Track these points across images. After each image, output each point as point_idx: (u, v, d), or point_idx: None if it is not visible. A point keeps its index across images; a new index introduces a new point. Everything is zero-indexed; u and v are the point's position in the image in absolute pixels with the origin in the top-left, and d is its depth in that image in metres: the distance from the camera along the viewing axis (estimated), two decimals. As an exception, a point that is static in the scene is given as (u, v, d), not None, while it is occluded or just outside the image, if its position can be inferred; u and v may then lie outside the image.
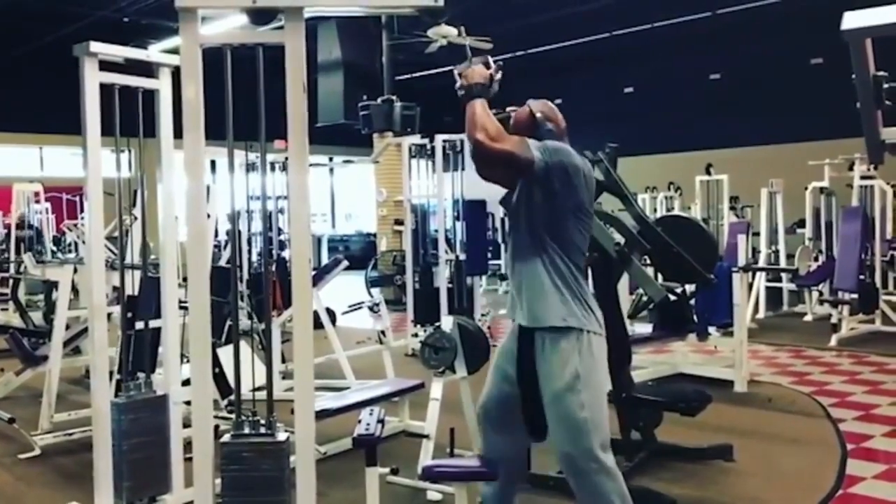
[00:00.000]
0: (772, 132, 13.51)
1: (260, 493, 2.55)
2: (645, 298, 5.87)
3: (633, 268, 3.80)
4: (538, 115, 2.91)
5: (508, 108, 2.99)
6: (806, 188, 10.00)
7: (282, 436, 2.59)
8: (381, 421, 2.74)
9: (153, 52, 3.75)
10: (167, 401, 3.71)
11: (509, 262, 2.96)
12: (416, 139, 8.43)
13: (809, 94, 13.01)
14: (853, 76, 1.84)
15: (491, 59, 2.88)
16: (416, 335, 7.70)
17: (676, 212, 10.61)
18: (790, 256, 10.18)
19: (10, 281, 9.35)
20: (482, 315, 8.11)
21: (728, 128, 14.08)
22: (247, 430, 2.61)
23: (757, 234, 10.33)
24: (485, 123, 2.68)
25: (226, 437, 2.60)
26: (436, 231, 8.63)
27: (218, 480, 2.84)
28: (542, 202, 2.77)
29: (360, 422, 2.75)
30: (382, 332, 5.80)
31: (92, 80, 3.43)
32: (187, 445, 3.56)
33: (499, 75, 2.83)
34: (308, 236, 2.83)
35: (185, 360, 4.00)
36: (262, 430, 2.60)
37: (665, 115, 15.20)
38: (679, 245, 4.08)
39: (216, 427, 3.62)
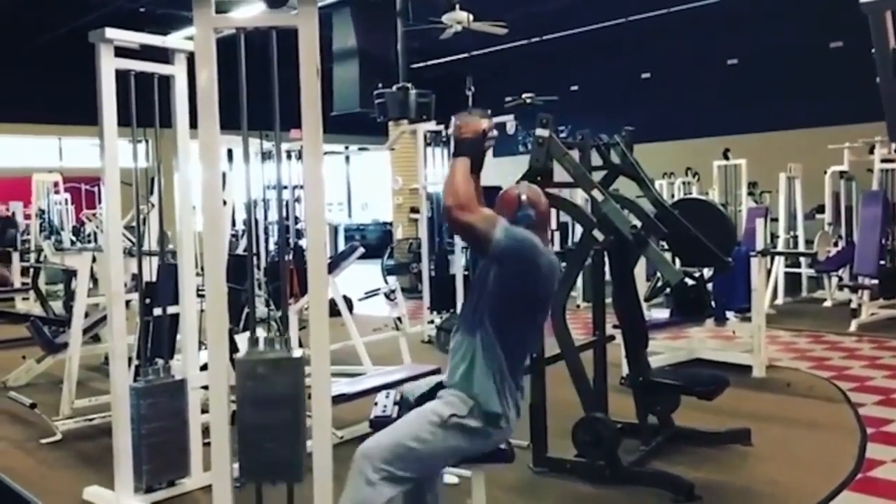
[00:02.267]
0: (790, 117, 13.37)
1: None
2: (661, 282, 5.84)
3: (649, 250, 3.77)
4: (523, 198, 2.85)
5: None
6: (825, 172, 9.89)
7: (297, 352, 2.63)
8: (397, 403, 2.74)
9: (168, 39, 3.76)
10: (185, 385, 3.74)
11: (459, 319, 2.93)
12: (431, 126, 8.42)
13: (829, 79, 12.87)
14: (873, 51, 1.82)
15: (489, 114, 2.90)
16: (432, 322, 7.72)
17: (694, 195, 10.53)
18: (809, 242, 10.08)
19: (31, 270, 9.45)
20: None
21: (746, 113, 13.95)
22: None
23: (775, 219, 10.25)
24: (457, 189, 2.64)
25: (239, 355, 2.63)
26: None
27: (236, 465, 2.87)
28: (493, 283, 2.70)
29: (376, 404, 2.75)
30: (399, 319, 5.81)
31: (108, 66, 3.45)
32: (205, 431, 3.59)
33: (494, 132, 2.82)
34: (323, 216, 2.84)
35: (202, 346, 4.04)
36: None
37: (682, 101, 15.08)
38: (696, 228, 4.05)
39: (233, 413, 3.65)
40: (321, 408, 2.79)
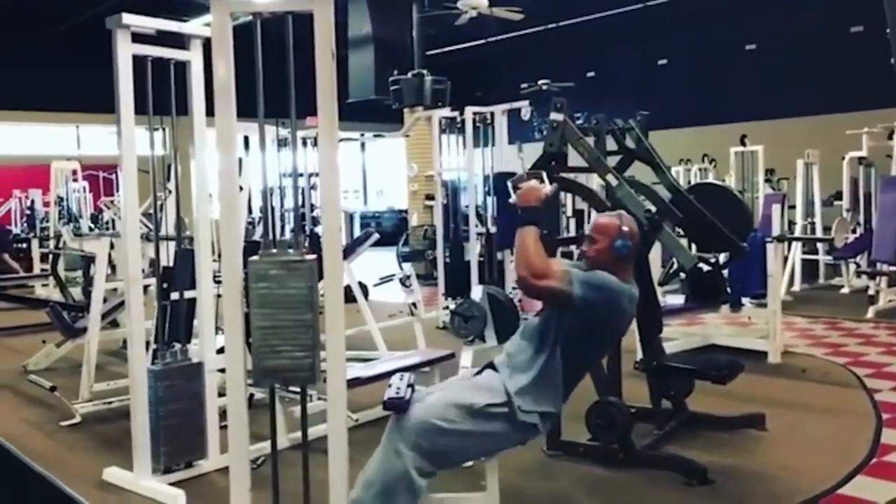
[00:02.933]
0: (809, 103, 13.25)
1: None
2: (676, 267, 5.83)
3: (663, 235, 3.77)
4: (624, 228, 2.96)
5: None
6: (843, 158, 9.81)
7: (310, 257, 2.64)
8: (410, 385, 2.76)
9: (184, 24, 3.78)
10: (202, 368, 3.78)
11: (523, 326, 3.00)
12: (447, 112, 8.41)
13: (849, 64, 12.73)
14: (888, 31, 1.80)
15: (545, 176, 2.91)
16: (447, 308, 7.74)
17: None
18: (826, 229, 10.01)
19: (50, 256, 9.55)
20: (513, 288, 8.11)
21: (764, 99, 13.84)
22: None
23: (793, 206, 10.18)
24: (530, 260, 2.71)
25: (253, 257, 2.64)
26: (466, 207, 8.62)
27: (252, 447, 2.91)
28: (573, 320, 2.80)
29: (390, 385, 2.78)
30: (414, 304, 5.83)
31: (124, 51, 3.48)
32: (222, 413, 3.64)
33: (552, 194, 2.91)
34: (338, 201, 2.87)
35: (219, 330, 4.07)
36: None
37: (699, 88, 14.99)
38: (712, 213, 4.04)
39: (250, 396, 3.69)
40: (336, 390, 2.82)
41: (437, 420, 2.63)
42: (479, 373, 2.96)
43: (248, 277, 2.62)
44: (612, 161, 4.19)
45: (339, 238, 2.99)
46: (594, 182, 6.31)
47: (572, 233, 9.60)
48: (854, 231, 9.65)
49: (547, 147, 3.82)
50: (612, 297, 2.81)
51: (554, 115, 3.80)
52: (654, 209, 3.78)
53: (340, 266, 3.10)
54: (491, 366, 2.93)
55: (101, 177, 13.84)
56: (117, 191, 12.42)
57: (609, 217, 3.07)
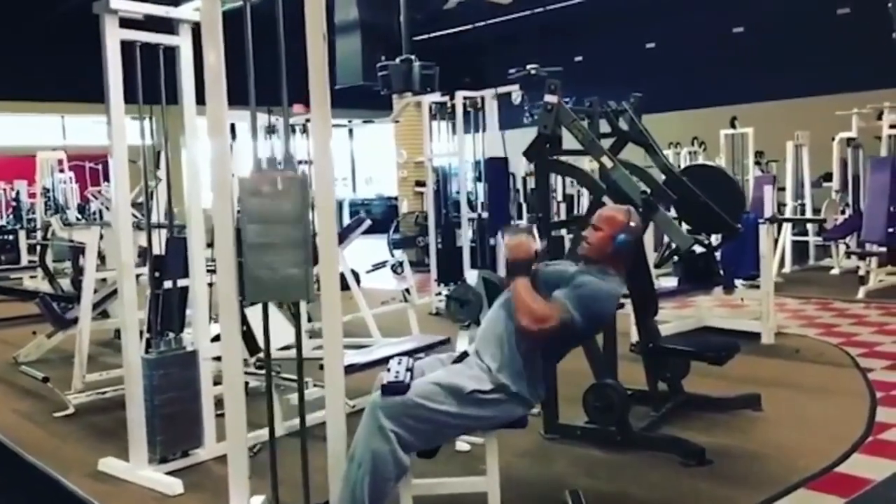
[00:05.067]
0: (797, 85, 13.26)
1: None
2: (672, 249, 5.83)
3: (659, 217, 3.76)
4: (631, 224, 3.06)
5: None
6: (833, 139, 9.83)
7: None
8: (409, 369, 2.75)
9: (173, 9, 3.73)
10: (197, 356, 3.76)
11: (498, 301, 3.01)
12: (437, 97, 8.36)
13: (836, 45, 12.75)
14: (889, 3, 1.79)
15: (534, 230, 3.01)
16: (439, 294, 7.73)
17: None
18: (816, 210, 10.06)
19: (38, 247, 9.47)
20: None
21: (752, 82, 13.83)
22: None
23: (782, 188, 10.20)
24: (531, 309, 2.76)
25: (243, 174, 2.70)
26: (457, 193, 8.59)
27: (250, 434, 2.89)
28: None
29: (388, 370, 2.76)
30: (407, 291, 5.81)
31: (112, 37, 3.44)
32: (218, 402, 3.61)
33: (541, 249, 2.98)
34: (332, 185, 2.85)
35: (211, 319, 4.05)
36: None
37: (688, 71, 14.96)
38: (705, 194, 4.04)
39: (245, 384, 3.67)
40: (334, 376, 2.80)
41: (423, 399, 2.63)
42: (455, 362, 2.94)
43: (239, 191, 2.65)
44: (606, 143, 4.17)
45: (333, 224, 2.96)
46: (585, 165, 6.30)
47: (563, 216, 9.60)
48: (843, 212, 9.69)
49: (541, 129, 3.79)
50: (602, 306, 2.93)
51: (548, 98, 3.78)
52: (649, 191, 3.76)
53: (336, 252, 3.07)
54: (466, 356, 2.94)
55: (87, 167, 13.72)
56: (104, 181, 12.32)
57: (617, 210, 3.14)
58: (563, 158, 4.10)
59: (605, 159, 3.77)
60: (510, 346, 2.81)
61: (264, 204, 2.60)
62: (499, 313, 2.93)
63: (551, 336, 2.80)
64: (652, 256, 6.21)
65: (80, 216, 12.00)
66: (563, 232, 5.03)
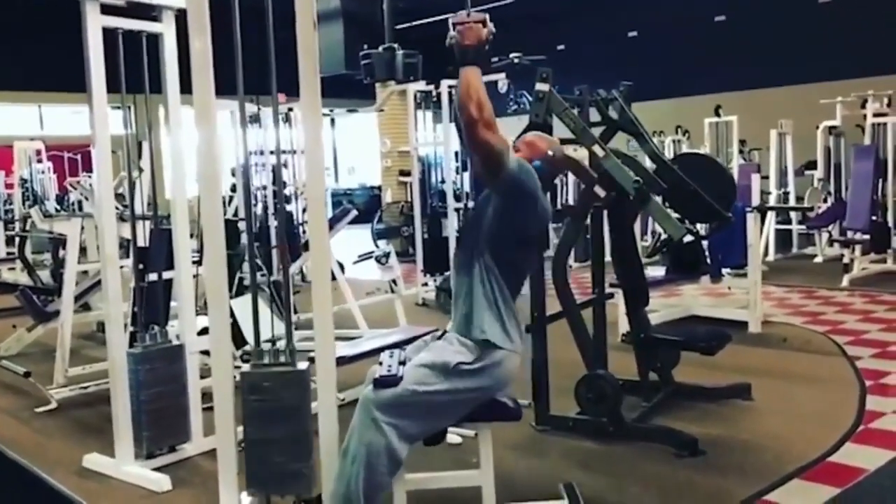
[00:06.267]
0: (779, 74, 13.27)
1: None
2: (663, 238, 5.81)
3: (651, 206, 3.72)
4: (551, 153, 2.92)
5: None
6: (817, 127, 9.86)
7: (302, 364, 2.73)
8: (402, 362, 2.70)
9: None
10: (183, 350, 3.69)
11: (453, 267, 2.92)
12: (422, 86, 8.29)
13: (819, 34, 12.78)
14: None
15: (488, 18, 2.72)
16: (426, 285, 7.68)
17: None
18: (800, 198, 10.10)
19: (17, 239, 9.32)
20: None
21: (735, 70, 13.83)
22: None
23: (766, 177, 10.22)
24: (482, 101, 2.53)
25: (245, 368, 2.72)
26: (442, 182, 8.52)
27: (238, 429, 2.84)
28: (492, 217, 2.70)
29: (380, 363, 2.71)
30: (394, 281, 5.76)
31: (94, 24, 3.35)
32: (205, 395, 3.55)
33: (491, 37, 2.70)
34: (322, 175, 2.81)
35: (198, 311, 3.98)
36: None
37: (671, 60, 14.94)
38: (697, 183, 4.01)
39: (234, 377, 3.60)
40: (326, 369, 2.76)
41: (414, 385, 2.57)
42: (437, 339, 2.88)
43: (242, 389, 2.73)
44: (596, 131, 4.13)
45: (324, 213, 2.92)
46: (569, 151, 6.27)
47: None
48: (825, 200, 9.73)
49: (532, 118, 3.74)
50: (535, 187, 2.68)
51: (539, 86, 3.73)
52: (641, 179, 3.73)
53: (327, 242, 3.02)
54: (445, 333, 2.87)
55: (65, 157, 13.51)
56: (83, 171, 12.14)
57: (541, 137, 3.02)
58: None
59: (596, 148, 3.73)
60: (478, 282, 2.71)
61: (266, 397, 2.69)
62: (460, 280, 2.83)
63: (483, 156, 2.58)
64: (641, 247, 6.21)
65: (59, 207, 11.81)
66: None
